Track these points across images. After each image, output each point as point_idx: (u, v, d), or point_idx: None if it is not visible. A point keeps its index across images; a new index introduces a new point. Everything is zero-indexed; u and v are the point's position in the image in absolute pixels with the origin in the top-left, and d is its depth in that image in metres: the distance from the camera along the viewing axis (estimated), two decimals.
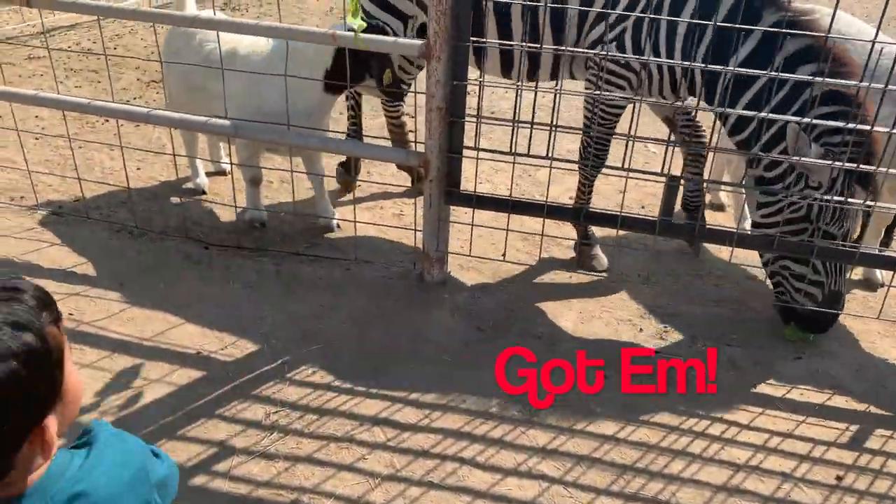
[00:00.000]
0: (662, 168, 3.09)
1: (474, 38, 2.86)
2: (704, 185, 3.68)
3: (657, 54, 2.95)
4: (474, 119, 2.98)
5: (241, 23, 3.18)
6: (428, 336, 2.85)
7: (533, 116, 2.97)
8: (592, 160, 3.24)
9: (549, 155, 2.93)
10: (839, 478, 2.35)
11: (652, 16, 2.86)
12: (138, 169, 3.95)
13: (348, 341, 2.78)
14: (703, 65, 2.71)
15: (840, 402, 2.68)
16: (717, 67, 2.69)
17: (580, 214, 3.16)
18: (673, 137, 3.49)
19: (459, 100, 2.95)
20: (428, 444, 2.35)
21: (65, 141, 3.92)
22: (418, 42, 2.91)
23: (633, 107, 2.86)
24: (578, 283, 3.31)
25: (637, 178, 3.19)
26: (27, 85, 4.80)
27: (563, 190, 4.14)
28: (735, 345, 2.95)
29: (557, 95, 2.90)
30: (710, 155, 3.60)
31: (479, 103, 3.01)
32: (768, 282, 3.07)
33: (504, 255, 3.43)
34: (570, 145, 4.60)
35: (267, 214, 3.55)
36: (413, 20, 3.49)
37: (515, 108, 2.88)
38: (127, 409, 2.43)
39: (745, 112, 2.80)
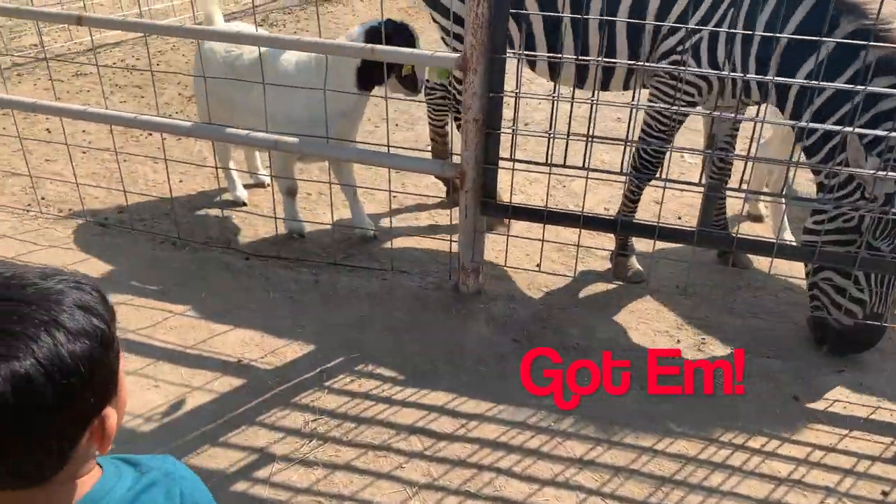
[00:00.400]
0: (700, 178, 3.08)
1: (512, 51, 2.89)
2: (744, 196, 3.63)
3: (732, 61, 2.94)
4: (510, 131, 3.00)
5: (282, 38, 3.25)
6: (464, 346, 2.87)
7: (569, 128, 2.98)
8: (644, 170, 3.24)
9: (586, 165, 2.94)
10: (885, 493, 2.29)
11: (728, 30, 2.84)
12: (180, 181, 4.06)
13: (385, 351, 2.81)
14: (782, 79, 2.69)
15: (885, 415, 2.62)
16: (792, 81, 2.68)
17: (617, 225, 3.15)
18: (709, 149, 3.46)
19: (496, 112, 2.97)
20: (465, 453, 2.36)
21: (111, 154, 4.05)
22: (455, 55, 2.95)
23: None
24: (615, 294, 3.30)
25: (674, 189, 3.18)
26: (75, 100, 4.97)
27: (598, 201, 4.14)
28: (775, 357, 2.90)
29: (594, 106, 2.91)
30: (750, 165, 3.56)
31: (515, 115, 3.04)
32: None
33: (539, 265, 3.44)
34: (604, 156, 4.60)
35: (306, 225, 3.62)
36: None
37: (552, 120, 2.89)
38: (170, 416, 2.49)
39: (804, 124, 2.74)
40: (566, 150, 3.00)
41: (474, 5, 2.76)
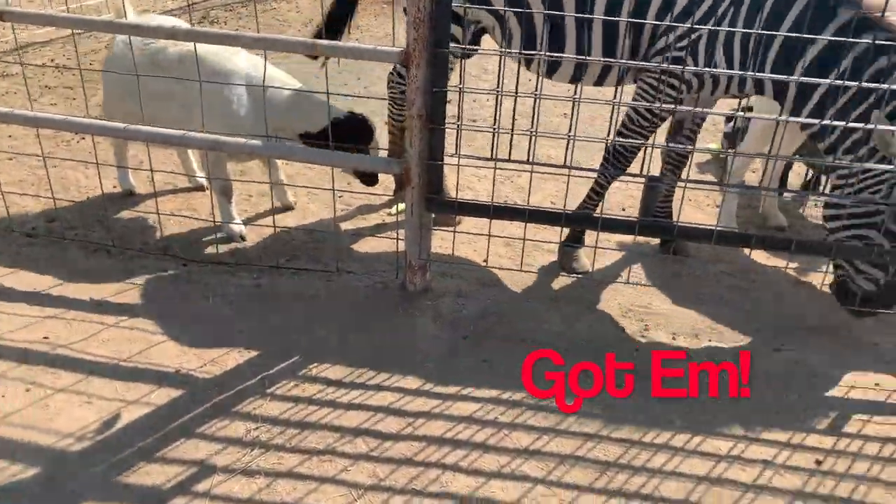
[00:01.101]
0: (641, 169, 3.10)
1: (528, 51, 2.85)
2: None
3: (730, 56, 2.95)
4: (455, 126, 2.97)
5: (219, 34, 3.15)
6: (411, 345, 2.83)
7: (513, 123, 2.97)
8: (618, 164, 3.22)
9: (531, 160, 2.93)
10: (819, 462, 2.37)
11: (728, 28, 2.86)
12: (114, 187, 3.91)
13: (330, 353, 2.75)
14: (791, 77, 2.71)
15: (820, 389, 2.68)
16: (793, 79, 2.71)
17: (561, 218, 3.14)
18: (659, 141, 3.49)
19: (439, 107, 2.93)
20: (411, 451, 2.32)
21: (38, 160, 3.87)
22: (397, 49, 2.90)
23: (614, 110, 2.84)
24: (561, 286, 3.31)
25: (619, 180, 3.20)
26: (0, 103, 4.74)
27: (545, 195, 4.15)
28: (717, 340, 2.95)
29: (537, 101, 2.90)
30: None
31: (459, 110, 3.01)
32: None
33: (486, 260, 3.43)
34: (550, 151, 4.62)
35: (246, 228, 3.53)
36: (475, 26, 3.46)
37: (496, 115, 2.88)
38: (103, 433, 2.37)
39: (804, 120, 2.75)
40: (510, 144, 2.99)
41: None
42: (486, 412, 2.49)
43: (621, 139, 3.18)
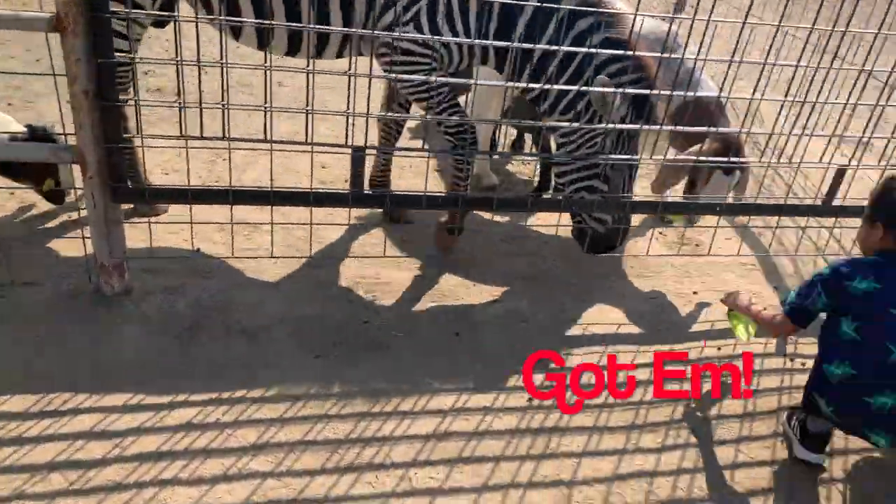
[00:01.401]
0: (346, 140, 3.08)
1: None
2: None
3: (454, 29, 2.91)
4: (132, 102, 2.64)
5: None
6: (113, 355, 2.50)
7: (200, 95, 2.73)
8: (463, 142, 3.11)
9: (226, 135, 2.73)
10: (530, 399, 2.59)
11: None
12: None
13: (8, 383, 2.32)
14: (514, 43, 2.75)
15: (529, 335, 2.95)
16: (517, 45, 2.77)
17: (269, 196, 2.99)
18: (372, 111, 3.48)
19: (110, 80, 2.58)
20: (121, 475, 2.06)
21: None
22: (46, 15, 2.47)
23: (308, 78, 2.76)
24: (282, 267, 3.18)
25: (323, 152, 3.13)
26: None
27: (260, 172, 3.96)
28: (438, 301, 3.09)
29: (224, 69, 2.68)
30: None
31: (134, 84, 2.69)
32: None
33: (198, 249, 3.17)
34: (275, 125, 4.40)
35: None
36: None
37: (179, 87, 2.61)
38: None
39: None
40: (200, 120, 2.76)
41: None
42: (206, 415, 2.31)
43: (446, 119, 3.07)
